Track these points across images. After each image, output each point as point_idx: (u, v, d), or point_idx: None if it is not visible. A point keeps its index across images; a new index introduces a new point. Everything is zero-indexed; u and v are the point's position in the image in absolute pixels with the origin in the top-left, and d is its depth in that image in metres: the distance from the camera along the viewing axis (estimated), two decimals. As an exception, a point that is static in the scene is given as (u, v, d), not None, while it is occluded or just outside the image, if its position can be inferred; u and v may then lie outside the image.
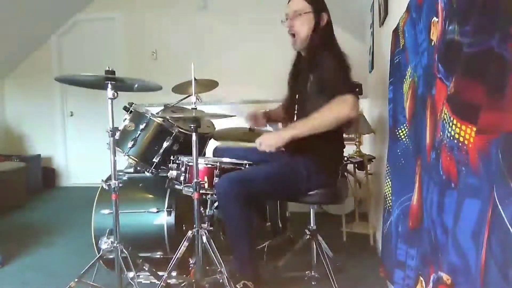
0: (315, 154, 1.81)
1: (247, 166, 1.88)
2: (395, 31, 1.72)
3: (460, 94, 0.86)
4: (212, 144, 2.48)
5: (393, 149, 1.67)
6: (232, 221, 1.76)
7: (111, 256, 1.80)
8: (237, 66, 4.63)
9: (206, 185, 1.85)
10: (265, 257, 2.32)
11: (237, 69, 4.61)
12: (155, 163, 2.12)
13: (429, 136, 1.13)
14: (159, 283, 1.77)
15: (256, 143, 1.71)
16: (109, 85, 1.72)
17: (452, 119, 0.88)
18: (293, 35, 1.88)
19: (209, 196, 1.93)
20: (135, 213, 2.13)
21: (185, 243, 1.80)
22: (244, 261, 1.79)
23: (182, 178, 1.92)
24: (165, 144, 2.12)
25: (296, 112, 1.93)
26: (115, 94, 1.74)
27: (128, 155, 2.13)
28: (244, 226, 1.75)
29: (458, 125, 0.84)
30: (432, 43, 1.11)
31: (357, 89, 2.98)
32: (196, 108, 1.83)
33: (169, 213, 2.11)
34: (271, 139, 1.69)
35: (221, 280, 1.72)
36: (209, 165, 1.87)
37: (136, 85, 1.90)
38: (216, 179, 1.83)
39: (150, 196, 2.24)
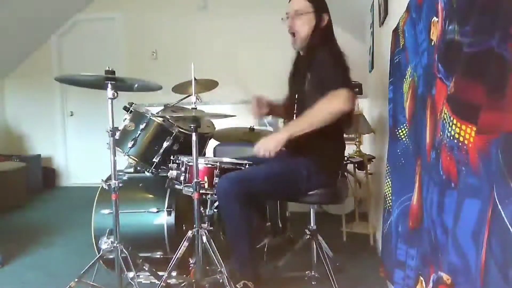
0: (315, 154, 1.81)
1: (247, 166, 1.88)
2: (395, 31, 1.72)
3: (460, 94, 0.86)
4: (212, 144, 2.48)
5: (393, 149, 1.67)
6: (232, 221, 1.76)
7: (111, 256, 1.80)
8: (237, 66, 4.63)
9: (206, 185, 1.85)
10: (265, 257, 2.32)
11: (237, 69, 4.60)
12: (155, 163, 2.13)
13: (429, 136, 1.13)
14: (159, 283, 1.77)
15: (254, 150, 1.71)
16: (109, 85, 1.72)
17: (452, 119, 0.88)
18: (293, 34, 1.89)
19: (209, 196, 1.93)
20: (135, 213, 2.13)
21: (185, 243, 1.80)
22: (244, 261, 1.79)
23: (182, 178, 1.92)
24: (165, 144, 2.12)
25: (295, 111, 1.93)
26: (115, 94, 1.74)
27: (128, 155, 2.13)
28: (244, 226, 1.75)
29: (458, 125, 0.84)
30: (432, 43, 1.11)
31: (357, 89, 2.99)
32: (196, 108, 1.83)
33: (169, 213, 2.11)
34: (269, 144, 1.68)
35: (221, 280, 1.72)
36: (209, 165, 1.87)
37: (136, 85, 1.90)
38: (216, 179, 1.83)
39: (150, 196, 2.24)
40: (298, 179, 1.80)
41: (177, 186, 1.96)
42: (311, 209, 2.09)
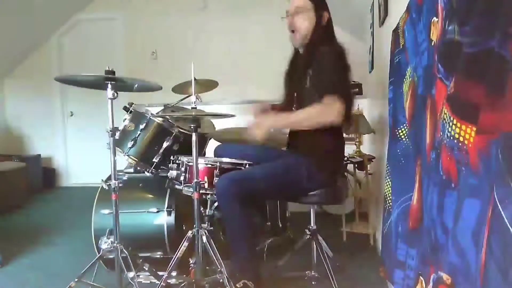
0: (315, 154, 1.81)
1: (247, 166, 1.88)
2: (395, 31, 1.72)
3: (460, 94, 0.86)
4: (212, 144, 2.48)
5: (393, 149, 1.67)
6: (232, 221, 1.76)
7: (111, 256, 1.80)
8: (237, 66, 4.63)
9: (206, 185, 1.85)
10: (265, 257, 2.32)
11: (237, 69, 4.60)
12: (155, 163, 2.12)
13: (429, 136, 1.13)
14: (159, 283, 1.77)
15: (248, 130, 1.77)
16: (109, 85, 1.72)
17: (452, 119, 0.88)
18: (293, 32, 1.88)
19: (209, 196, 1.93)
20: (135, 213, 2.13)
21: (185, 243, 1.79)
22: (244, 261, 1.79)
23: (182, 178, 1.92)
24: (165, 144, 2.12)
25: (294, 110, 1.93)
26: (115, 94, 1.74)
27: (128, 155, 2.13)
28: (244, 226, 1.75)
29: (458, 125, 0.84)
30: (432, 43, 1.11)
31: (357, 89, 2.99)
32: (196, 108, 1.83)
33: (169, 213, 2.12)
34: (256, 130, 1.74)
35: (221, 280, 1.71)
36: (209, 165, 1.87)
37: (136, 85, 1.90)
38: (216, 179, 1.83)
39: (150, 196, 2.24)
40: (298, 179, 1.80)
41: (177, 186, 1.96)
42: (311, 209, 2.09)
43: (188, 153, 1.87)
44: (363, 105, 3.35)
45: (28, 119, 5.21)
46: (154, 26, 4.88)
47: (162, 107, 2.46)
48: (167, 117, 2.16)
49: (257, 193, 1.81)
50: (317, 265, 2.09)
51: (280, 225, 2.59)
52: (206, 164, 1.87)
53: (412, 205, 1.34)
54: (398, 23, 1.65)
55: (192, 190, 1.77)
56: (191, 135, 1.77)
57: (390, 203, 1.70)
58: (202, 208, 2.01)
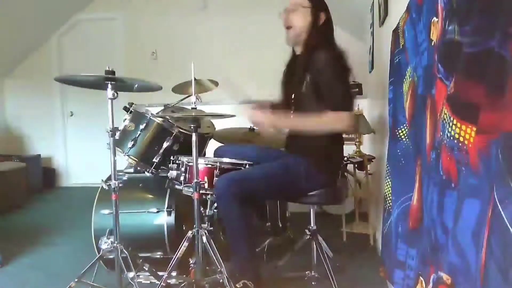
0: (315, 155, 1.81)
1: (247, 166, 1.88)
2: (395, 31, 1.72)
3: (460, 94, 0.86)
4: (212, 144, 2.48)
5: (393, 149, 1.68)
6: (232, 221, 1.76)
7: (111, 256, 1.80)
8: (237, 66, 4.62)
9: (206, 185, 1.85)
10: (265, 257, 2.32)
11: (237, 69, 4.60)
12: (155, 163, 2.12)
13: (429, 136, 1.13)
14: (159, 283, 1.77)
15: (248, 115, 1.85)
16: (109, 85, 1.72)
17: (452, 119, 0.88)
18: (288, 28, 1.88)
19: (209, 196, 1.93)
20: (135, 213, 2.13)
21: (185, 243, 1.79)
22: (244, 261, 1.79)
23: (182, 178, 1.92)
24: (165, 144, 2.12)
25: (292, 112, 1.93)
26: (115, 94, 1.74)
27: (128, 155, 2.13)
28: (244, 226, 1.75)
29: (458, 125, 0.84)
30: (432, 43, 1.11)
31: (357, 89, 2.99)
32: (196, 108, 1.83)
33: (169, 213, 2.12)
34: (260, 120, 1.82)
35: (221, 280, 1.71)
36: (209, 165, 1.87)
37: (136, 85, 1.90)
38: (216, 179, 1.83)
39: (150, 196, 2.24)
40: (298, 179, 1.80)
41: (177, 186, 1.96)
42: (311, 209, 2.09)
43: (188, 153, 1.87)
44: (363, 105, 3.35)
45: (28, 119, 5.21)
46: (154, 26, 4.88)
47: (162, 107, 2.45)
48: (167, 117, 2.16)
49: (257, 193, 1.81)
50: (317, 265, 2.09)
51: (280, 225, 2.59)
52: (206, 164, 1.87)
53: (412, 205, 1.34)
54: (398, 23, 1.65)
55: (192, 190, 1.77)
56: (191, 135, 1.77)
57: (390, 203, 1.70)
58: (202, 208, 2.01)
